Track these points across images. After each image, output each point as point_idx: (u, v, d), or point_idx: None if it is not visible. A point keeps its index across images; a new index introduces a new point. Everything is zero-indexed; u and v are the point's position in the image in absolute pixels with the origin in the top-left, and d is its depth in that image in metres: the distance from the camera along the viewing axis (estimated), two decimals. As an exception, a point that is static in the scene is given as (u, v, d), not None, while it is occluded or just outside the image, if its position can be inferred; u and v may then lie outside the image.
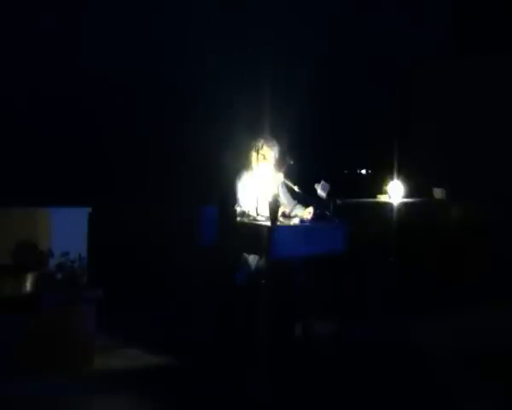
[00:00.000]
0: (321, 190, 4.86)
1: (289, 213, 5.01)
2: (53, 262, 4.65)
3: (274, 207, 4.55)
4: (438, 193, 7.60)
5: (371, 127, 8.16)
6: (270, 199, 4.61)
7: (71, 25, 6.25)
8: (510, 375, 4.66)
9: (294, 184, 5.06)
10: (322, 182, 4.89)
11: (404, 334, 5.58)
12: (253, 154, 5.12)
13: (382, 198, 7.21)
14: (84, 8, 6.36)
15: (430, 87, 9.08)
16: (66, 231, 4.79)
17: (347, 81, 8.03)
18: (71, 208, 4.96)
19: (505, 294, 6.46)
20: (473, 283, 6.67)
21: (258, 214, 4.80)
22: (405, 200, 7.14)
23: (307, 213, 4.97)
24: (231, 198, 4.96)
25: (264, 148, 5.10)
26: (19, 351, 4.32)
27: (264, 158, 5.09)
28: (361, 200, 6.98)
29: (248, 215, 4.81)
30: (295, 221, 4.85)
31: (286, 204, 5.10)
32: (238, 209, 4.85)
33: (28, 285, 4.47)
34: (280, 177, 5.10)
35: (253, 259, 4.85)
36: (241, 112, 6.38)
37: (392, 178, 7.35)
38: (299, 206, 5.14)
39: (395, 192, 7.15)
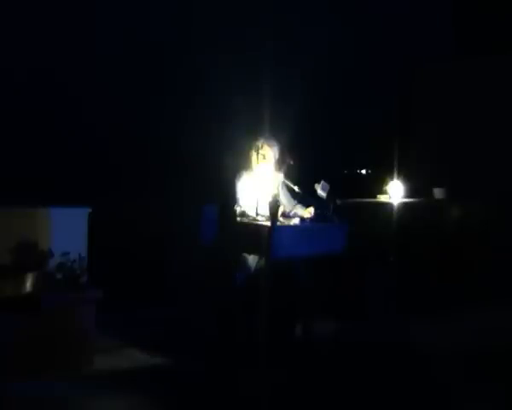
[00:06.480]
0: (321, 190, 4.86)
1: (289, 213, 5.02)
2: (53, 262, 4.65)
3: (274, 207, 4.55)
4: (438, 193, 7.60)
5: (371, 127, 8.14)
6: (270, 199, 4.61)
7: (70, 24, 6.24)
8: (510, 375, 4.66)
9: (294, 184, 5.06)
10: (322, 182, 4.89)
11: (404, 334, 5.58)
12: (253, 154, 5.12)
13: (382, 198, 7.21)
14: (85, 9, 6.36)
15: (430, 87, 9.07)
16: (66, 231, 4.80)
17: (348, 81, 8.02)
18: (71, 208, 4.96)
19: (505, 294, 6.45)
20: (472, 283, 6.66)
21: (258, 214, 4.80)
22: (405, 200, 7.14)
23: (307, 213, 4.97)
24: (231, 198, 4.96)
25: (264, 148, 5.09)
26: (19, 351, 4.32)
27: (264, 158, 5.09)
28: (361, 200, 6.98)
29: (248, 215, 4.81)
30: (295, 221, 4.85)
31: (286, 204, 5.10)
32: (238, 209, 4.85)
33: (28, 285, 4.47)
34: (280, 177, 5.10)
35: (253, 259, 4.85)
36: (241, 112, 6.37)
37: (392, 178, 7.35)
38: (299, 206, 5.14)
39: (395, 192, 7.16)
